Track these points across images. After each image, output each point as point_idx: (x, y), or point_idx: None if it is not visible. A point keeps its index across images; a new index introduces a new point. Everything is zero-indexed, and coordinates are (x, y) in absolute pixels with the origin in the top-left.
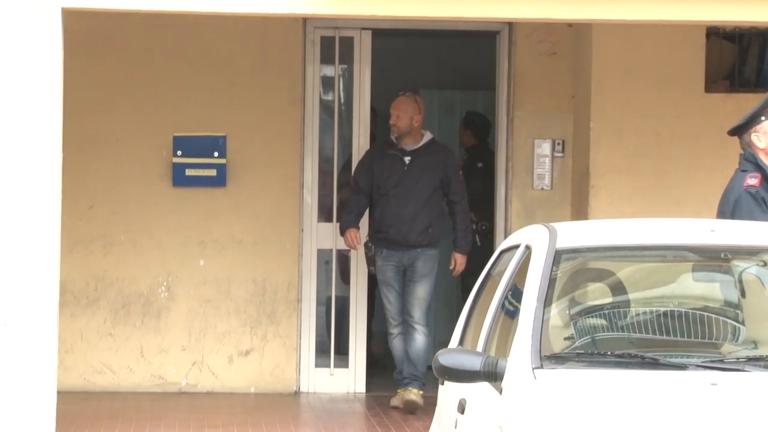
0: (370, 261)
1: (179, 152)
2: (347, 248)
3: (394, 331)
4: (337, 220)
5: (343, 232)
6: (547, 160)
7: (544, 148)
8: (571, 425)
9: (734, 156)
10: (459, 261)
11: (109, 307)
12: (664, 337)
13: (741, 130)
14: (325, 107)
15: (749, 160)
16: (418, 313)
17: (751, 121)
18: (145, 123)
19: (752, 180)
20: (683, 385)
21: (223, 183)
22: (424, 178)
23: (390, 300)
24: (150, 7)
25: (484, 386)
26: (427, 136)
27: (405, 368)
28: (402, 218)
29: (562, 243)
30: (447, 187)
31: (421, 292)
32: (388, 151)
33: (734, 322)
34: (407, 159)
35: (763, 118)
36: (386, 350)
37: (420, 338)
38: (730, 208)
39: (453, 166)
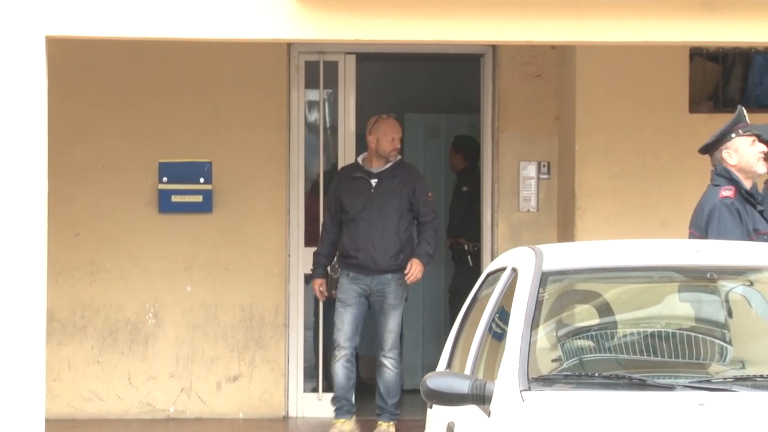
0: (333, 284)
1: (165, 178)
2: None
3: (340, 353)
4: None
5: (309, 280)
6: (533, 182)
7: (530, 170)
8: None
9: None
10: (414, 266)
11: (97, 334)
12: (652, 357)
13: (712, 148)
14: (311, 132)
15: (722, 174)
16: (389, 344)
17: (721, 139)
18: (130, 150)
19: (727, 192)
20: (671, 405)
21: (209, 209)
22: (391, 200)
23: (344, 320)
24: (134, 35)
25: (473, 409)
26: (395, 161)
27: (376, 402)
28: (371, 242)
29: (549, 265)
30: (416, 210)
31: (393, 324)
32: (354, 174)
33: (721, 342)
34: (374, 181)
35: (733, 135)
36: (374, 374)
37: (391, 372)
38: (704, 220)
39: (420, 186)
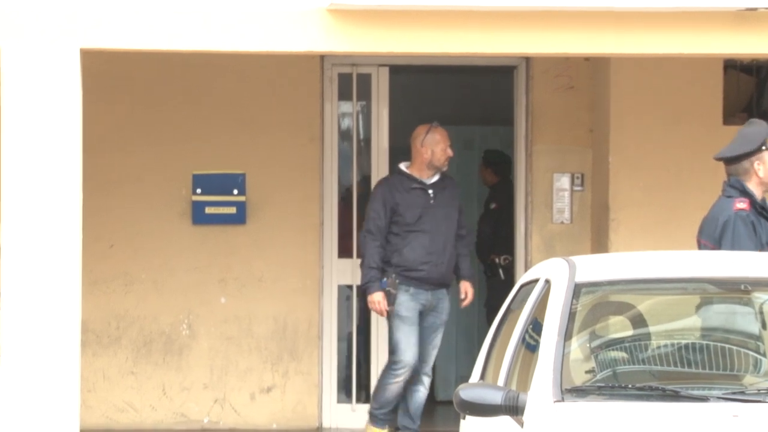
0: (392, 300)
1: (199, 190)
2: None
3: (403, 372)
4: (358, 257)
5: (368, 294)
6: (567, 194)
7: (563, 182)
8: None
9: None
10: (470, 291)
11: (131, 345)
12: (685, 369)
13: (739, 158)
14: (344, 143)
15: (734, 186)
16: (431, 362)
17: (755, 150)
18: (164, 161)
19: (741, 204)
20: (705, 417)
21: (242, 220)
22: (449, 211)
23: (411, 339)
24: (167, 47)
25: (506, 420)
26: (446, 167)
27: (400, 419)
28: (437, 255)
29: (582, 276)
30: (458, 222)
31: (439, 341)
32: (412, 185)
33: (755, 354)
34: (431, 192)
35: (764, 147)
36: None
37: (424, 391)
38: (718, 231)
39: (460, 200)
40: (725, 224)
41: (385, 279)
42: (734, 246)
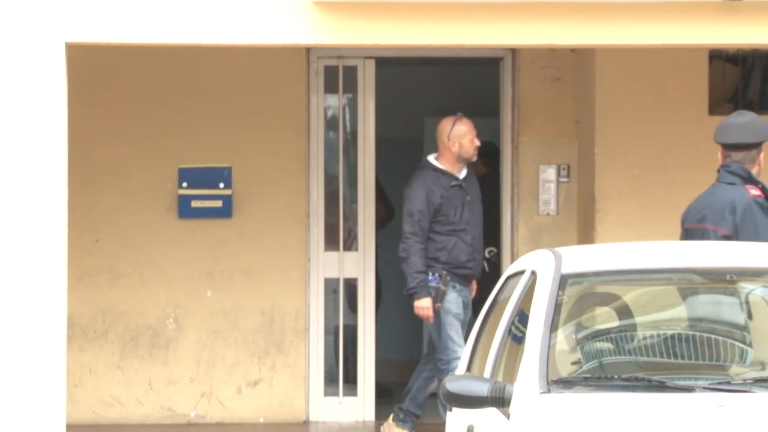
0: (441, 297)
1: (185, 184)
2: (427, 309)
3: (456, 368)
4: (345, 249)
5: (415, 300)
6: (553, 186)
7: (549, 173)
8: None
9: None
10: (475, 287)
11: (117, 339)
12: (672, 360)
13: (754, 146)
14: (330, 136)
15: (737, 173)
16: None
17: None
18: (150, 155)
19: (755, 191)
20: (691, 407)
21: (229, 214)
22: (478, 206)
23: (460, 334)
24: (153, 40)
25: (492, 412)
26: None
27: (413, 406)
28: (479, 251)
29: (568, 268)
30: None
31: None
32: (450, 183)
33: (741, 344)
34: (465, 187)
35: None
36: (395, 377)
37: (436, 384)
38: (738, 218)
39: None
40: (744, 212)
41: (436, 275)
42: (758, 233)
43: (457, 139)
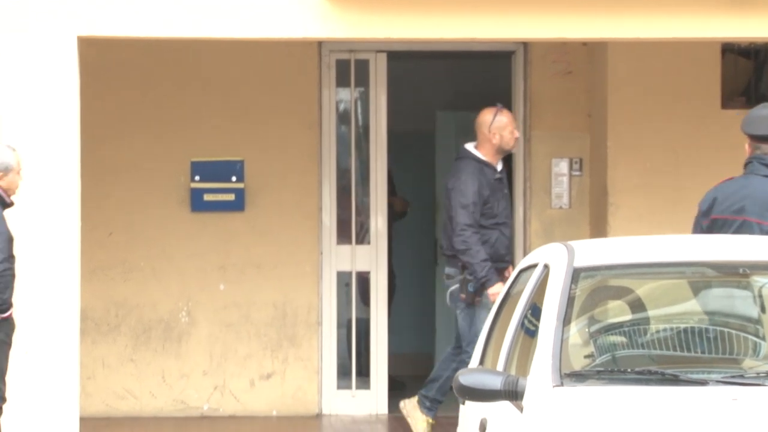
0: (481, 291)
1: (197, 177)
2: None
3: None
4: (357, 242)
5: (488, 287)
6: (565, 179)
7: (562, 167)
8: None
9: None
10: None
11: (130, 333)
12: (685, 353)
13: None
14: (342, 130)
15: None
16: None
17: None
18: (162, 149)
19: None
20: (704, 401)
21: (241, 207)
22: (509, 201)
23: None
24: (164, 34)
25: (505, 405)
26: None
27: (438, 393)
28: (511, 245)
29: (581, 261)
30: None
31: None
32: (495, 176)
33: (755, 338)
34: (503, 180)
35: None
36: (408, 371)
37: None
38: None
39: None
40: None
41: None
42: None
43: (498, 130)
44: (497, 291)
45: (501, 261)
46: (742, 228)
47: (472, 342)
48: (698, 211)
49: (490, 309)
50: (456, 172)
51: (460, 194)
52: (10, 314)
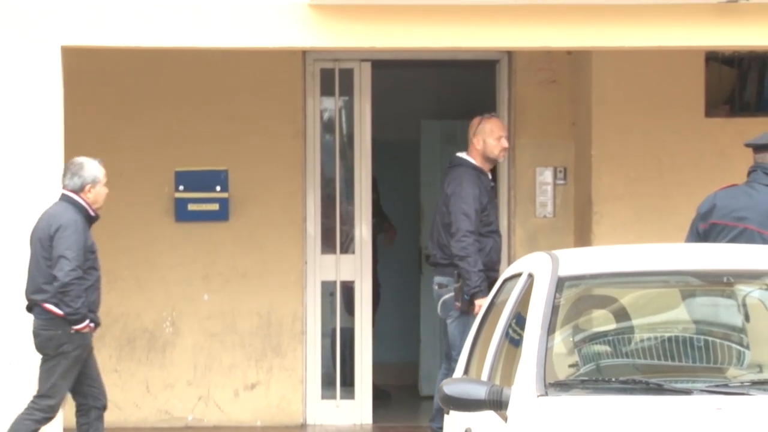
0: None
1: (181, 187)
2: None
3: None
4: (341, 252)
5: (476, 299)
6: (549, 188)
7: (546, 175)
8: None
9: (737, 179)
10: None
11: (114, 343)
12: (669, 362)
13: None
14: (327, 139)
15: None
16: None
17: None
18: (146, 158)
19: None
20: (688, 410)
21: (225, 217)
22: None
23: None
24: (148, 44)
25: (490, 415)
26: (504, 159)
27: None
28: (500, 254)
29: (565, 270)
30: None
31: None
32: (489, 183)
33: (739, 347)
34: (494, 187)
35: None
36: (392, 380)
37: None
38: None
39: None
40: None
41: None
42: None
43: (482, 135)
44: (482, 302)
45: (493, 269)
46: (743, 236)
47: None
48: (696, 213)
49: (475, 315)
50: (455, 179)
51: (462, 201)
52: (85, 327)
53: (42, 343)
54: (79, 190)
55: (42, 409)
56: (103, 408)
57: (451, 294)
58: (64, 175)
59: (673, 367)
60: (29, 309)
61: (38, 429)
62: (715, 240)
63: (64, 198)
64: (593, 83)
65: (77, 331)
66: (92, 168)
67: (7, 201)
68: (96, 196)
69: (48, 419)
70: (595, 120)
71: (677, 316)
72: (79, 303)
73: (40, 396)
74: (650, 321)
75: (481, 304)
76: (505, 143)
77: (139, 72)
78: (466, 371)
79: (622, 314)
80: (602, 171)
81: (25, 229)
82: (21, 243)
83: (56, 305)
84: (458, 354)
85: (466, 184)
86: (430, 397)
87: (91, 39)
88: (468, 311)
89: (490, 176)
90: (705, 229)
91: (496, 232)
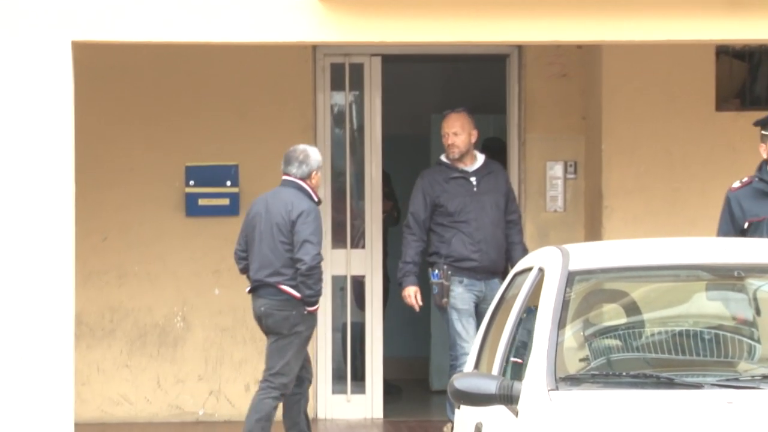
0: (446, 292)
1: (192, 182)
2: (413, 299)
3: (464, 365)
4: (352, 246)
5: (403, 289)
6: (560, 182)
7: (557, 170)
8: None
9: (747, 174)
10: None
11: (125, 338)
12: (680, 356)
13: None
14: (337, 134)
15: None
16: None
17: None
18: (157, 153)
19: None
20: (699, 404)
21: (236, 212)
22: (495, 197)
23: (469, 331)
24: (159, 39)
25: (501, 409)
26: (482, 156)
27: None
28: (485, 243)
29: (575, 265)
30: (506, 207)
31: None
32: (451, 174)
33: (749, 341)
34: (473, 180)
35: None
36: (403, 375)
37: None
38: None
39: (509, 184)
40: None
41: (437, 271)
42: None
43: (443, 133)
44: (406, 293)
45: (465, 260)
46: None
47: (453, 345)
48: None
49: (460, 309)
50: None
51: (411, 199)
52: (317, 308)
53: (276, 323)
54: (306, 178)
55: (277, 387)
56: (311, 380)
57: (437, 289)
58: (290, 164)
59: (684, 361)
60: (253, 290)
61: (277, 406)
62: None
63: (293, 185)
64: (604, 77)
65: (309, 312)
66: (315, 155)
67: (18, 197)
68: (317, 182)
69: (282, 396)
70: (606, 114)
71: (688, 310)
72: (320, 286)
73: (274, 375)
74: (661, 315)
75: (408, 294)
76: (449, 140)
77: (149, 67)
78: (477, 365)
79: (632, 308)
80: (613, 165)
81: (34, 226)
82: (31, 240)
83: (293, 287)
84: (451, 348)
85: (417, 181)
86: (441, 392)
87: (102, 34)
88: (441, 305)
89: (474, 167)
90: (745, 229)
91: (464, 222)
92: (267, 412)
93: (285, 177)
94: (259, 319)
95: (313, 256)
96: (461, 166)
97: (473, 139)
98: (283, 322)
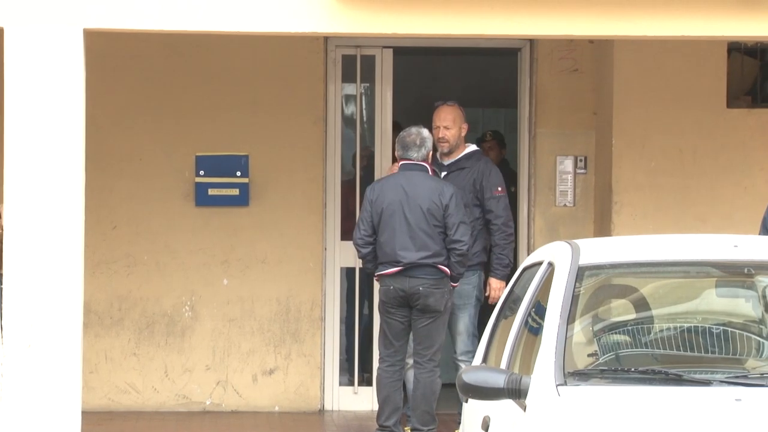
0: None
1: (202, 172)
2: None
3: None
4: None
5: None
6: (570, 177)
7: (567, 164)
8: None
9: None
10: (494, 287)
11: (133, 327)
12: (688, 353)
13: None
14: (347, 126)
15: None
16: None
17: None
18: (167, 143)
19: None
20: (707, 401)
21: (245, 202)
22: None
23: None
24: (171, 28)
25: (508, 403)
26: (470, 148)
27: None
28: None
29: (585, 259)
30: (483, 205)
31: (459, 324)
32: (446, 170)
33: (758, 338)
34: (443, 174)
35: None
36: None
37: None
38: None
39: (488, 178)
40: None
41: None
42: None
43: (434, 126)
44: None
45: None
46: None
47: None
48: None
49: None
50: None
51: None
52: (459, 283)
53: (436, 301)
54: (425, 159)
55: (438, 363)
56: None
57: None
58: (409, 149)
59: (693, 358)
60: (400, 273)
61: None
62: None
63: (419, 168)
64: (615, 73)
65: (453, 287)
66: (427, 134)
67: (28, 185)
68: (430, 159)
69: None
70: (617, 109)
71: (697, 306)
72: (467, 263)
73: (436, 351)
74: (670, 311)
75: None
76: (440, 133)
77: (161, 56)
78: (485, 359)
79: (641, 304)
80: (623, 160)
81: (44, 214)
82: (39, 229)
83: (447, 266)
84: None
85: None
86: (449, 385)
87: (114, 22)
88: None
89: (447, 162)
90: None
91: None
92: (438, 391)
93: (405, 162)
94: (410, 297)
95: (470, 236)
96: (442, 160)
97: (463, 133)
98: (441, 300)
